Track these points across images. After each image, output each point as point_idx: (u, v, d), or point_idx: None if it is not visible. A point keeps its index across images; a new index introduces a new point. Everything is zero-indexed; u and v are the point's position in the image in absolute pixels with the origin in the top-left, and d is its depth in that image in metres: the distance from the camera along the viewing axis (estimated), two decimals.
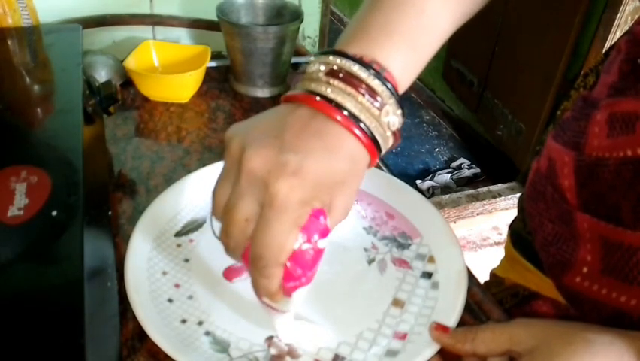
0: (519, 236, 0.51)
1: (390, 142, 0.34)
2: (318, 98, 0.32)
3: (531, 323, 0.37)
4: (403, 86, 0.35)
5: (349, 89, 0.32)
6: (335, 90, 0.32)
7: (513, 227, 0.53)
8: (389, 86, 0.33)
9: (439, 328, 0.40)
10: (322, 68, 0.33)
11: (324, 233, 0.33)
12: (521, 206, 0.51)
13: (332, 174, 0.32)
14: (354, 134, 0.32)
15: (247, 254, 0.33)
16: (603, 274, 0.37)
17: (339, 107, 0.32)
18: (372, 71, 0.33)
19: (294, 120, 0.32)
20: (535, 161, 0.45)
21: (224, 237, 0.34)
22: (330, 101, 0.32)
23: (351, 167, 0.33)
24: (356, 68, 0.32)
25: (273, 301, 0.34)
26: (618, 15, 1.45)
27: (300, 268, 0.33)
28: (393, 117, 0.33)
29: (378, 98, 0.32)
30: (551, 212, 0.41)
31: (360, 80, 0.32)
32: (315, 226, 0.32)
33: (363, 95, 0.32)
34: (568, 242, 0.39)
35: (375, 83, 0.32)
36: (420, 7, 0.35)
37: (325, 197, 0.32)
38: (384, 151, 0.35)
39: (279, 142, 0.31)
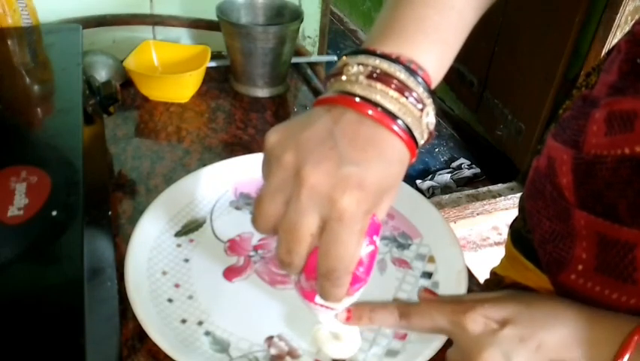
0: (519, 235, 0.51)
1: (425, 138, 0.35)
2: (357, 99, 0.32)
3: (521, 296, 0.39)
4: (434, 83, 0.35)
5: (390, 91, 0.32)
6: (377, 92, 0.32)
7: (514, 226, 0.53)
8: (426, 86, 0.33)
9: (428, 290, 0.43)
10: (361, 69, 0.33)
11: (378, 231, 0.34)
12: (521, 205, 0.51)
13: (387, 181, 0.32)
14: (399, 136, 0.32)
15: (308, 267, 0.34)
16: (597, 272, 0.37)
17: (385, 110, 0.32)
18: (411, 72, 0.32)
19: (345, 128, 0.32)
20: (535, 160, 0.45)
21: (285, 255, 0.33)
22: (375, 105, 0.32)
23: (401, 169, 0.33)
24: (395, 69, 0.32)
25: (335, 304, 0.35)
26: (618, 15, 1.45)
27: (363, 269, 0.34)
28: (432, 117, 0.34)
29: (419, 99, 0.33)
30: (549, 210, 0.42)
31: (401, 82, 0.32)
32: (372, 226, 0.33)
33: (407, 97, 0.32)
34: (564, 240, 0.40)
35: (414, 85, 0.32)
36: (449, 3, 0.36)
37: (379, 201, 0.33)
38: (419, 148, 0.35)
39: (336, 154, 0.31)
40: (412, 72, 0.32)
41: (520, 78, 1.83)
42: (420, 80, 0.33)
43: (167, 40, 0.83)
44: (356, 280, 0.34)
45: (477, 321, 0.36)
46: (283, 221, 0.32)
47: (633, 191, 0.35)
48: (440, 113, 2.33)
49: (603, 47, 1.51)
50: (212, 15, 0.75)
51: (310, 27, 1.00)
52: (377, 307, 0.40)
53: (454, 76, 2.18)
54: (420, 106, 0.32)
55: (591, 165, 0.37)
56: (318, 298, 0.36)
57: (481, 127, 2.12)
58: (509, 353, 0.34)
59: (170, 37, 0.87)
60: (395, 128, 0.32)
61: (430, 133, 0.35)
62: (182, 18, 0.85)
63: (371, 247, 0.33)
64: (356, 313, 0.40)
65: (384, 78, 0.32)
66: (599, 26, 1.52)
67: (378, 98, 0.32)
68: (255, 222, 0.34)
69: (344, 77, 0.33)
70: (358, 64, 0.33)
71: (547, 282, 0.44)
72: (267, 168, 0.33)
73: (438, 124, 2.31)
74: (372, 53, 0.33)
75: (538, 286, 0.48)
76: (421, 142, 0.34)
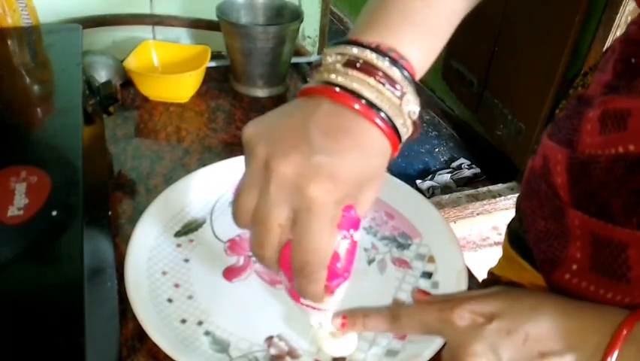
0: (516, 235, 0.52)
1: (410, 131, 0.34)
2: (337, 89, 0.31)
3: (515, 294, 0.38)
4: (419, 73, 0.35)
5: (368, 79, 0.31)
6: (355, 80, 0.31)
7: (511, 226, 0.54)
8: (407, 74, 0.32)
9: (421, 291, 0.44)
10: (339, 58, 0.32)
11: (357, 225, 0.33)
12: (518, 205, 0.51)
13: (364, 172, 0.32)
14: (377, 125, 0.32)
15: (283, 262, 0.33)
16: (592, 271, 0.37)
17: (360, 97, 0.31)
18: (390, 60, 0.32)
19: (319, 118, 0.31)
20: (531, 159, 0.45)
21: (257, 247, 0.33)
22: (351, 92, 0.31)
23: (381, 161, 0.33)
24: (374, 57, 0.32)
25: (317, 303, 0.35)
26: (618, 15, 1.45)
27: (341, 265, 0.33)
28: (413, 106, 0.33)
29: (398, 87, 0.32)
30: (544, 209, 0.42)
31: (378, 69, 0.32)
32: (348, 220, 0.32)
33: (384, 84, 0.31)
34: (559, 239, 0.40)
35: (394, 72, 0.32)
36: None
37: (356, 193, 0.32)
38: (403, 141, 0.34)
39: (307, 144, 0.30)
40: (392, 60, 0.32)
41: (520, 78, 1.83)
42: (399, 67, 0.32)
43: (167, 40, 0.83)
44: (333, 276, 0.33)
45: (464, 316, 0.36)
46: (254, 213, 0.32)
47: (627, 190, 0.35)
48: (440, 113, 2.33)
49: (603, 47, 1.51)
50: (212, 15, 0.75)
51: (310, 27, 1.00)
52: (370, 312, 0.41)
53: (454, 76, 2.18)
54: (398, 93, 0.32)
55: (585, 165, 0.37)
56: (303, 299, 0.35)
57: (481, 127, 2.12)
58: (496, 347, 0.34)
59: (170, 37, 0.87)
60: (375, 119, 0.31)
61: (415, 125, 0.34)
62: (182, 18, 0.85)
63: (347, 241, 0.33)
64: (350, 320, 0.40)
65: (363, 66, 0.32)
66: (599, 26, 1.52)
67: (354, 85, 0.31)
68: (233, 215, 0.34)
69: (322, 67, 0.33)
70: (337, 53, 0.33)
71: (542, 281, 0.44)
72: (245, 161, 0.33)
73: (438, 124, 2.32)
74: (353, 43, 0.33)
75: (533, 285, 0.48)
76: (405, 134, 0.34)
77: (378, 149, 0.32)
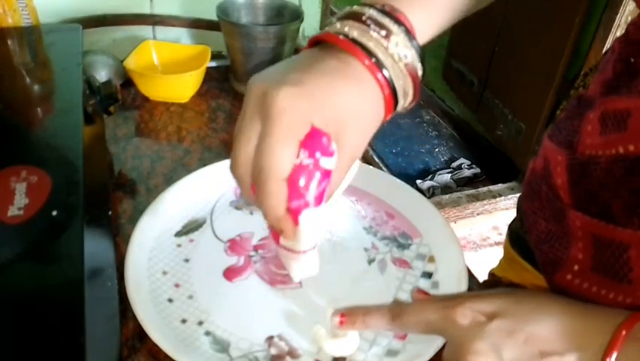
0: (517, 236, 0.52)
1: (406, 83, 0.35)
2: (327, 30, 0.34)
3: (520, 294, 0.38)
4: (421, 35, 0.36)
5: (358, 24, 0.33)
6: (346, 26, 0.33)
7: (512, 227, 0.54)
8: (395, 19, 0.34)
9: (420, 291, 0.43)
10: (337, 16, 0.35)
11: (327, 152, 0.32)
12: (519, 206, 0.51)
13: (334, 95, 0.32)
14: (363, 64, 0.33)
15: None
16: (593, 272, 0.37)
17: (346, 36, 0.33)
18: (378, 10, 0.34)
19: (309, 56, 0.34)
20: (532, 161, 0.46)
21: (234, 168, 0.33)
22: (338, 34, 0.33)
23: (366, 104, 0.33)
24: (365, 9, 0.34)
25: (282, 232, 0.33)
26: (618, 15, 1.45)
27: (302, 185, 0.32)
28: (403, 49, 0.34)
29: (384, 30, 0.33)
30: (545, 210, 0.42)
31: (369, 17, 0.34)
32: (317, 143, 0.32)
33: (369, 25, 0.33)
34: (560, 240, 0.40)
35: (379, 17, 0.33)
36: None
37: (329, 120, 0.32)
38: (402, 97, 0.35)
39: (289, 73, 0.32)
40: (381, 10, 0.34)
41: (520, 78, 1.83)
42: (386, 13, 0.34)
43: (167, 40, 0.83)
44: (293, 196, 0.32)
45: (466, 315, 0.36)
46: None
47: (627, 191, 0.35)
48: (440, 113, 2.33)
49: (603, 47, 1.51)
50: (212, 15, 0.74)
51: (310, 27, 1.00)
52: (371, 310, 0.40)
53: (454, 76, 2.18)
54: (384, 33, 0.33)
55: (585, 166, 0.38)
56: (282, 240, 0.35)
57: (481, 127, 2.12)
58: (498, 346, 0.34)
59: (170, 37, 0.87)
60: (365, 60, 0.33)
61: (413, 78, 0.34)
62: (182, 18, 0.85)
63: (309, 160, 0.31)
64: (350, 318, 0.39)
65: (355, 16, 0.34)
66: (599, 26, 1.51)
67: (345, 29, 0.33)
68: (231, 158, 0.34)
69: (325, 28, 0.35)
70: (338, 18, 0.35)
71: (544, 282, 0.44)
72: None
73: (438, 124, 2.32)
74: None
75: (534, 286, 0.48)
76: (398, 84, 0.34)
77: (365, 90, 0.33)
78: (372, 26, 0.33)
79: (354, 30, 0.33)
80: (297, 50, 0.85)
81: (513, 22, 1.82)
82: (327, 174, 0.32)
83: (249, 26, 0.73)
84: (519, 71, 1.83)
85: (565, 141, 0.40)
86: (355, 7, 0.35)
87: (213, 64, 0.82)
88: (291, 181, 0.31)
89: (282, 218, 0.33)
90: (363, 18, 0.33)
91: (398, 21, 0.34)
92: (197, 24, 0.85)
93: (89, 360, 0.28)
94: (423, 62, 0.35)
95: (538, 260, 0.44)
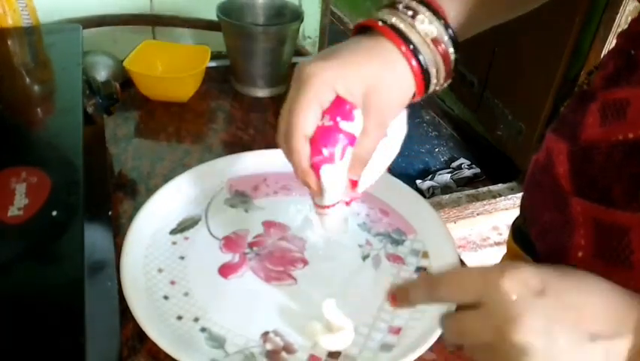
0: (519, 230, 0.52)
1: (433, 55, 0.38)
2: (380, 23, 0.38)
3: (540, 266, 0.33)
4: (453, 18, 0.39)
5: (391, 10, 0.38)
6: (385, 14, 0.38)
7: (515, 223, 0.54)
8: (422, 3, 0.37)
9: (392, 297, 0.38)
10: (375, 9, 0.39)
11: (348, 117, 0.36)
12: (523, 202, 0.52)
13: (359, 67, 0.36)
14: (391, 39, 0.36)
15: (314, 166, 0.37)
16: (596, 258, 0.38)
17: (383, 21, 0.37)
18: None
19: (348, 41, 0.38)
20: (535, 154, 0.46)
21: (278, 136, 0.38)
22: (376, 19, 0.38)
23: (383, 73, 0.36)
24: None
25: (309, 186, 0.38)
26: (618, 15, 1.45)
27: (322, 142, 0.36)
28: (429, 26, 0.37)
29: (411, 10, 0.37)
30: (547, 201, 0.42)
31: (401, 2, 0.38)
32: (340, 109, 0.36)
33: (398, 8, 0.37)
34: (564, 229, 0.40)
35: (412, 2, 0.37)
36: None
37: (353, 89, 0.36)
38: (436, 79, 0.39)
39: (327, 51, 0.37)
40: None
41: (520, 78, 1.83)
42: (420, 1, 0.37)
43: (167, 40, 0.83)
44: (315, 153, 0.36)
45: (515, 284, 0.31)
46: None
47: (626, 175, 0.35)
48: (440, 113, 2.33)
49: (603, 46, 1.51)
50: (212, 15, 0.74)
51: (310, 27, 1.00)
52: (409, 287, 0.36)
53: (454, 76, 2.18)
54: (410, 13, 0.37)
55: (587, 152, 0.38)
56: (314, 199, 0.40)
57: (481, 127, 2.12)
58: (550, 325, 0.30)
59: (170, 37, 0.87)
60: (393, 37, 0.37)
61: (443, 56, 0.38)
62: (182, 18, 0.85)
63: (330, 123, 0.36)
64: (399, 294, 0.36)
65: (392, 4, 0.38)
66: (599, 26, 1.51)
67: (378, 15, 0.38)
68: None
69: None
70: (377, 8, 0.39)
71: None
72: None
73: (438, 124, 2.32)
74: None
75: None
76: (427, 57, 0.37)
77: (381, 56, 0.37)
78: (401, 8, 0.37)
79: (388, 14, 0.38)
80: (297, 50, 0.85)
81: (513, 22, 1.81)
82: (348, 136, 0.37)
83: (249, 26, 0.73)
84: (519, 71, 1.83)
85: (568, 133, 0.41)
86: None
87: (213, 64, 0.82)
88: (313, 140, 0.36)
89: (306, 172, 0.37)
90: (397, 6, 0.38)
91: (425, 3, 0.37)
92: (197, 24, 0.85)
93: (89, 360, 0.28)
94: (456, 44, 0.38)
95: (542, 251, 0.44)
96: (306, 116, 0.36)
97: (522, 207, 0.52)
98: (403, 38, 0.37)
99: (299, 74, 0.36)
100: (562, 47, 1.60)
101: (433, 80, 0.39)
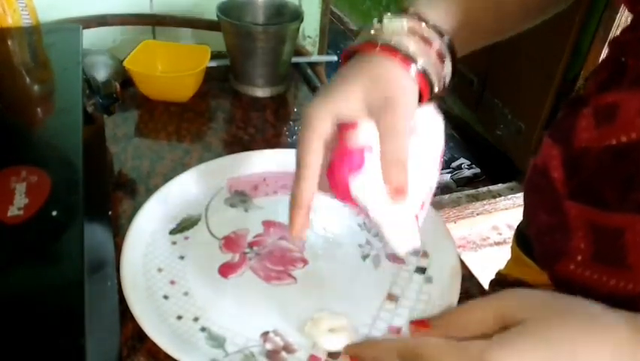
0: (522, 234, 0.53)
1: (424, 57, 0.37)
2: (354, 43, 0.39)
3: (525, 293, 0.34)
4: (448, 26, 0.40)
5: (377, 24, 0.38)
6: (372, 29, 0.38)
7: (519, 227, 0.55)
8: (398, 14, 0.38)
9: (418, 324, 0.37)
10: (354, 34, 0.40)
11: (353, 127, 0.37)
12: (524, 206, 0.52)
13: (350, 89, 0.36)
14: (385, 52, 0.37)
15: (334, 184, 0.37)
16: (594, 260, 0.38)
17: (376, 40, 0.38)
18: (401, 12, 0.38)
19: (342, 68, 0.39)
20: (533, 158, 0.47)
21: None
22: (368, 40, 0.38)
23: (394, 86, 0.36)
24: (391, 15, 0.39)
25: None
26: (618, 15, 1.45)
27: (336, 161, 0.37)
28: (396, 23, 0.38)
29: (403, 17, 0.38)
30: (545, 203, 0.43)
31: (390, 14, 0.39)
32: (344, 127, 0.37)
33: (390, 18, 0.38)
34: (561, 232, 0.41)
35: (395, 14, 0.38)
36: None
37: (351, 104, 0.36)
38: (440, 74, 0.39)
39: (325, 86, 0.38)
40: (403, 12, 0.39)
41: (520, 78, 1.83)
42: (398, 15, 0.38)
43: (167, 40, 0.83)
44: (334, 173, 0.37)
45: None
46: None
47: (618, 176, 0.36)
48: (440, 113, 2.33)
49: (603, 46, 1.51)
50: (212, 15, 0.74)
51: (310, 27, 1.00)
52: (380, 354, 0.36)
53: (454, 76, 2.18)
54: (404, 19, 0.38)
55: (579, 156, 0.39)
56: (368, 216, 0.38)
57: (481, 127, 2.12)
58: None
59: (170, 37, 0.87)
60: (378, 46, 0.37)
61: (437, 54, 0.38)
62: (182, 18, 0.85)
63: (337, 144, 0.37)
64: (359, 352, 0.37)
65: (382, 20, 0.39)
66: (599, 26, 1.51)
67: (370, 32, 0.38)
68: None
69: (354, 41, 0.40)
70: (355, 33, 0.41)
71: (546, 279, 0.44)
72: None
73: None
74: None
75: (535, 281, 0.49)
76: (423, 61, 0.37)
77: (391, 75, 0.36)
78: (391, 17, 0.38)
79: (373, 30, 0.38)
80: (297, 50, 0.85)
81: None
82: (360, 147, 0.36)
83: (249, 26, 0.73)
84: (519, 71, 1.83)
85: (562, 138, 0.42)
86: (388, 15, 0.39)
87: (213, 64, 0.82)
88: (329, 169, 0.37)
89: (304, 202, 0.37)
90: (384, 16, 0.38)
91: (405, 10, 0.39)
92: (197, 24, 0.85)
93: (89, 360, 0.28)
94: (452, 47, 0.39)
95: (538, 252, 0.45)
96: (309, 149, 0.36)
97: (523, 209, 0.52)
98: (403, 53, 0.37)
99: (302, 116, 0.37)
100: (561, 46, 1.60)
101: (434, 86, 0.39)
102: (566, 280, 0.41)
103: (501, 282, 0.56)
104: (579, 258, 0.39)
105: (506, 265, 0.58)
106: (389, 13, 0.38)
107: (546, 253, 0.43)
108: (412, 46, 0.37)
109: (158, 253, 0.48)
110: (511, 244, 0.57)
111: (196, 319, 0.42)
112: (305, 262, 0.49)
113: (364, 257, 0.50)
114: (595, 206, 0.38)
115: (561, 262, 0.41)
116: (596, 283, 0.38)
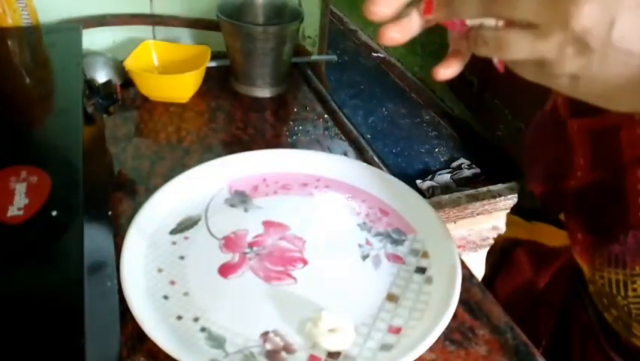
0: (517, 206, 0.61)
1: None
2: None
3: None
4: None
5: None
6: None
7: (515, 205, 0.63)
8: None
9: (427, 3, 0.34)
10: None
11: None
12: (520, 186, 0.59)
13: None
14: None
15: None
16: (593, 171, 0.42)
17: None
18: None
19: None
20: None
21: None
22: None
23: None
24: None
25: None
26: None
27: None
28: None
29: None
30: (549, 136, 0.48)
31: None
32: None
33: None
34: (565, 155, 0.45)
35: None
36: None
37: None
38: None
39: None
40: None
41: (520, 78, 1.83)
42: None
43: (167, 40, 0.83)
44: None
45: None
46: None
47: None
48: (440, 113, 2.33)
49: None
50: (212, 15, 0.74)
51: (310, 27, 1.00)
52: None
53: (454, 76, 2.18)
54: None
55: None
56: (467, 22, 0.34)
57: (481, 127, 2.12)
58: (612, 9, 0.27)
59: (170, 37, 0.87)
60: None
61: None
62: (182, 18, 0.85)
63: None
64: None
65: None
66: None
67: None
68: None
69: None
70: None
71: (529, 228, 0.52)
72: None
73: (438, 124, 2.32)
74: None
75: (519, 234, 0.58)
76: None
77: None
78: None
79: None
80: (297, 50, 0.85)
81: None
82: None
83: (249, 26, 0.73)
84: None
85: None
86: None
87: (213, 64, 0.82)
88: None
89: None
90: None
91: None
92: (197, 24, 0.85)
93: (89, 360, 0.28)
94: None
95: (541, 193, 0.50)
96: None
97: (526, 151, 0.56)
98: None
99: None
100: None
101: None
102: (567, 196, 0.44)
103: (492, 253, 0.63)
104: (579, 174, 0.43)
105: (498, 238, 0.65)
106: None
107: (548, 191, 0.47)
108: None
109: (158, 254, 0.48)
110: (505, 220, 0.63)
111: (196, 319, 0.42)
112: (305, 262, 0.49)
113: (364, 257, 0.50)
114: (594, 116, 0.41)
115: (562, 187, 0.44)
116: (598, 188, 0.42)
